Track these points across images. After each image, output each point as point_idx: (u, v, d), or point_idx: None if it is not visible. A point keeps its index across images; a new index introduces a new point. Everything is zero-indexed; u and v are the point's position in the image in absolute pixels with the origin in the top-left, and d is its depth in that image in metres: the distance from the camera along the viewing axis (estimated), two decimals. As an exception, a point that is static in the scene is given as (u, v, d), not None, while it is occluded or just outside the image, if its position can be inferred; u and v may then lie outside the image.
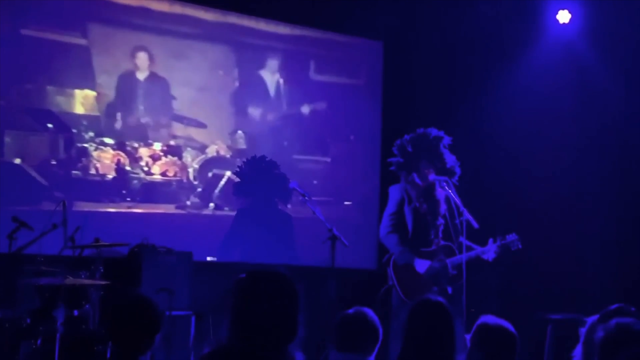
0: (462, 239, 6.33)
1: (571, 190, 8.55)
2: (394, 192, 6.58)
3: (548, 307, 7.45)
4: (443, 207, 6.49)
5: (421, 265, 6.32)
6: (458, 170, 6.59)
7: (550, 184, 8.58)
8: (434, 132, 6.61)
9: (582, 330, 3.38)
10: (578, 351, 3.37)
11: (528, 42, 8.79)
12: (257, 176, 8.36)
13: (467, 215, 6.13)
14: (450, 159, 6.59)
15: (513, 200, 8.57)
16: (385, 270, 6.49)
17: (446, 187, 6.31)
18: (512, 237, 6.35)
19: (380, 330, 4.00)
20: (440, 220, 6.48)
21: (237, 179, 8.29)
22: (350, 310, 4.03)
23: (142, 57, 7.95)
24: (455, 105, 8.71)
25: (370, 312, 4.04)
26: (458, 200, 6.22)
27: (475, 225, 6.15)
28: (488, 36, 8.74)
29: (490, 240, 6.35)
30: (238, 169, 8.30)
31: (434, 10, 8.60)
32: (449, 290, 6.24)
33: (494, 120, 8.63)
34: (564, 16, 8.67)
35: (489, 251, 6.31)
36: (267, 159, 8.41)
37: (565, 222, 8.51)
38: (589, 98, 8.61)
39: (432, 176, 6.45)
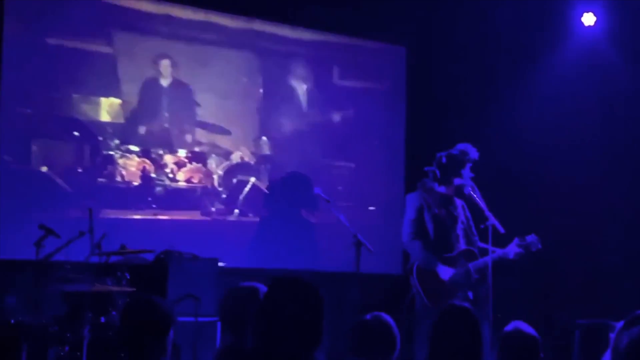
0: (482, 244, 6.30)
1: (597, 193, 8.48)
2: (412, 200, 6.51)
3: (576, 312, 7.37)
4: (461, 213, 6.47)
5: (445, 273, 6.27)
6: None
7: (577, 187, 8.51)
8: (472, 152, 6.50)
9: (612, 336, 3.34)
10: (607, 357, 3.33)
11: (553, 44, 8.74)
12: (284, 187, 8.41)
13: (493, 220, 6.09)
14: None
15: (539, 203, 8.51)
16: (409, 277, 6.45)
17: (472, 192, 6.29)
18: (531, 237, 6.28)
19: (398, 338, 3.94)
20: (460, 225, 6.45)
21: (265, 190, 8.33)
22: (368, 316, 3.99)
23: (165, 64, 7.99)
24: (480, 109, 8.67)
25: (388, 319, 3.97)
26: (483, 205, 6.19)
27: (502, 230, 6.10)
28: (512, 39, 8.69)
29: (516, 239, 6.29)
30: (268, 182, 8.36)
31: (456, 14, 8.57)
32: (470, 295, 6.20)
33: (518, 123, 8.57)
34: (589, 19, 8.61)
35: (510, 252, 6.26)
36: (293, 171, 8.47)
37: (592, 225, 8.44)
38: (614, 101, 8.55)
39: (457, 180, 6.40)
